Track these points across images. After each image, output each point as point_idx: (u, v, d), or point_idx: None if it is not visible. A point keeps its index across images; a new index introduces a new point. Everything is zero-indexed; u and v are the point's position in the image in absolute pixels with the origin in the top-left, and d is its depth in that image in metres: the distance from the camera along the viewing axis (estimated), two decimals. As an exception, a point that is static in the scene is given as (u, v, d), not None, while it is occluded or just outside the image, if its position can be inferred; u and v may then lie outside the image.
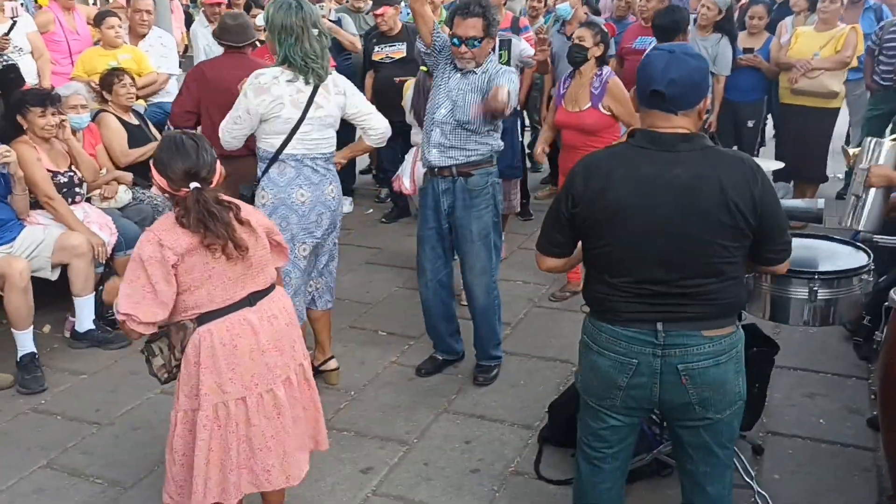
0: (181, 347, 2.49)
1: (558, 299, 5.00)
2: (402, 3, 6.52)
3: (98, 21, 5.64)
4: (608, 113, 4.54)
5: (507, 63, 4.83)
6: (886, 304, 2.99)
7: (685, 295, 2.18)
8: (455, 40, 3.62)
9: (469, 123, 3.67)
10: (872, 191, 3.20)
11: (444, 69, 3.76)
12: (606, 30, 4.81)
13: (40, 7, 6.32)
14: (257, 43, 5.06)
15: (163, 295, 2.38)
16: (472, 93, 3.67)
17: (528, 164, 6.68)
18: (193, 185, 2.42)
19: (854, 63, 5.93)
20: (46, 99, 4.30)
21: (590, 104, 4.55)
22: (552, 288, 5.11)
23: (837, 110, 6.05)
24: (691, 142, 2.17)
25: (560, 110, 4.70)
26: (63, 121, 4.43)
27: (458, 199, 3.78)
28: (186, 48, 7.73)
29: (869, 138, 3.35)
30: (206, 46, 6.49)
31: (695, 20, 6.36)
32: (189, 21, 8.46)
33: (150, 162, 2.48)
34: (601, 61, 4.60)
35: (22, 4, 5.58)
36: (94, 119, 4.96)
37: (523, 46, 5.16)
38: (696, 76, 2.18)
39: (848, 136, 7.13)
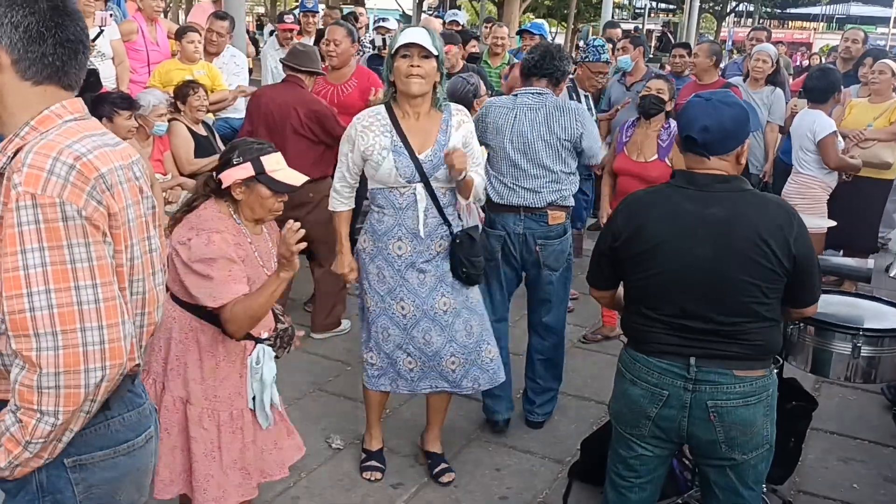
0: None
1: (590, 341, 5.02)
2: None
3: (179, 35, 5.90)
4: (671, 166, 4.56)
5: None
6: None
7: (719, 332, 2.24)
8: None
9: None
10: None
11: None
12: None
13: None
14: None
15: None
16: None
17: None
18: None
19: None
20: (133, 103, 4.54)
21: (656, 156, 4.55)
22: (590, 329, 5.15)
23: (891, 182, 6.04)
24: (728, 183, 2.26)
25: (621, 157, 4.68)
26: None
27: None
28: (251, 70, 8.02)
29: None
30: (274, 68, 6.74)
31: (746, 76, 6.47)
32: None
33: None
34: (668, 115, 4.65)
35: (111, 15, 5.85)
36: (165, 127, 5.19)
37: None
38: (730, 124, 2.25)
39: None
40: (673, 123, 4.59)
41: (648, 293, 2.33)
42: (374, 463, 3.47)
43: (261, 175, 2.49)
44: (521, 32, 5.87)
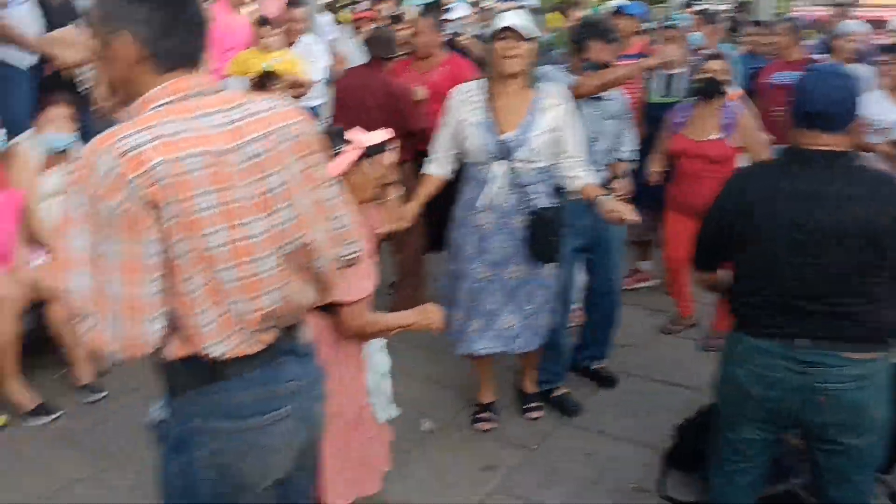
0: None
1: (669, 332, 4.84)
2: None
3: (258, 25, 5.96)
4: (734, 145, 4.44)
5: None
6: None
7: (829, 314, 2.16)
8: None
9: None
10: None
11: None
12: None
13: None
14: None
15: None
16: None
17: None
18: None
19: None
20: None
21: (718, 135, 4.42)
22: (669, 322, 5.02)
23: None
24: (844, 157, 2.19)
25: (679, 138, 4.51)
26: None
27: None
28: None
29: None
30: (350, 55, 6.76)
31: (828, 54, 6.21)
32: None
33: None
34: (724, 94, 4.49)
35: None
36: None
37: None
38: (850, 98, 2.20)
39: None
40: (733, 102, 4.43)
41: (757, 274, 2.26)
42: (486, 415, 3.69)
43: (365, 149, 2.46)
44: (617, 12, 5.71)
